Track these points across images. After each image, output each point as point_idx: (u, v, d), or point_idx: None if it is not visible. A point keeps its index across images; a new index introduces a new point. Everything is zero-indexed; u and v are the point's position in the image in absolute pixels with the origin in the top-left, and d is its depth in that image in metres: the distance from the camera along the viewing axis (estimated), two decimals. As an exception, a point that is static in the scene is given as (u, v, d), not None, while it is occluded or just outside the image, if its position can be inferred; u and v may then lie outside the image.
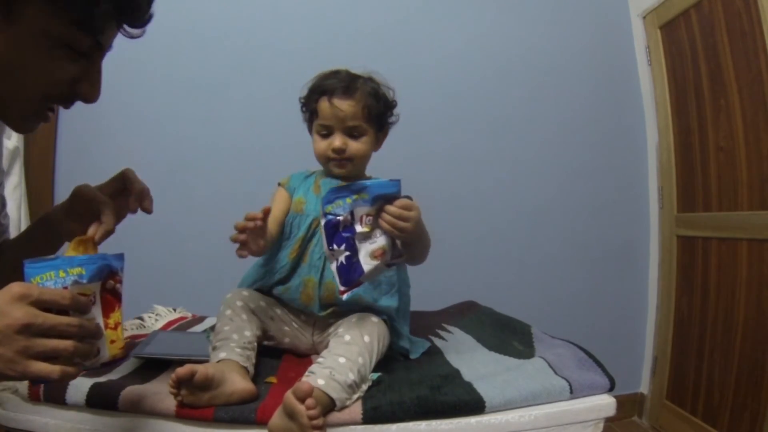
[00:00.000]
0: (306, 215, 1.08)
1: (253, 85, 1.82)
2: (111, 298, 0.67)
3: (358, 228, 0.82)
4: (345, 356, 0.84)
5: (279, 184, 1.16)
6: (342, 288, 0.86)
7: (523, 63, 2.01)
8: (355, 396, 0.82)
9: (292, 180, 1.15)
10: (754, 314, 1.56)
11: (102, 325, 0.65)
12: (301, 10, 1.86)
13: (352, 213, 0.82)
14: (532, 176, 2.02)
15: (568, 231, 2.03)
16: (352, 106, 1.03)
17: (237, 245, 0.87)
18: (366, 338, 0.89)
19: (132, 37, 0.65)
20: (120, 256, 0.70)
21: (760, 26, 1.50)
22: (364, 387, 0.84)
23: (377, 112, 1.06)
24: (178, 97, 1.79)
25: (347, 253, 0.82)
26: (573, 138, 2.05)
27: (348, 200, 0.82)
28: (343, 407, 0.79)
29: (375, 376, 0.87)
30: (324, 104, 1.05)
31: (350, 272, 0.84)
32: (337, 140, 1.05)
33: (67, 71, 0.62)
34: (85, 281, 0.64)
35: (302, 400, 0.71)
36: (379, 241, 0.82)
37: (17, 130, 0.68)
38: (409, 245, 0.92)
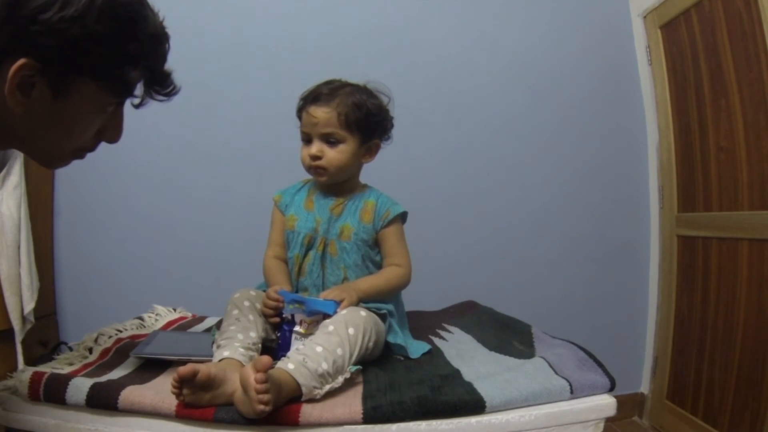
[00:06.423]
0: (297, 232, 1.12)
1: (253, 84, 1.82)
2: None
3: (296, 328, 0.97)
4: (323, 345, 0.85)
5: (274, 200, 1.19)
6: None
7: (524, 63, 2.01)
8: (327, 386, 0.82)
9: (284, 197, 1.19)
10: (755, 314, 1.56)
11: None
12: (300, 9, 1.86)
13: (292, 315, 0.97)
14: (532, 176, 2.02)
15: (568, 231, 2.03)
16: (327, 113, 1.05)
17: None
18: (350, 330, 0.89)
19: (158, 100, 0.74)
20: None
21: (760, 26, 1.50)
22: (341, 379, 0.85)
23: (357, 120, 1.06)
24: (178, 97, 1.79)
25: (280, 341, 0.98)
26: (573, 138, 2.05)
27: (290, 306, 0.97)
28: (312, 396, 0.80)
29: (354, 368, 0.87)
30: (303, 112, 1.09)
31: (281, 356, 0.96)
32: (314, 147, 1.08)
33: (97, 125, 0.70)
34: None
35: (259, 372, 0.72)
36: None
37: (51, 168, 0.75)
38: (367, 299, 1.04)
